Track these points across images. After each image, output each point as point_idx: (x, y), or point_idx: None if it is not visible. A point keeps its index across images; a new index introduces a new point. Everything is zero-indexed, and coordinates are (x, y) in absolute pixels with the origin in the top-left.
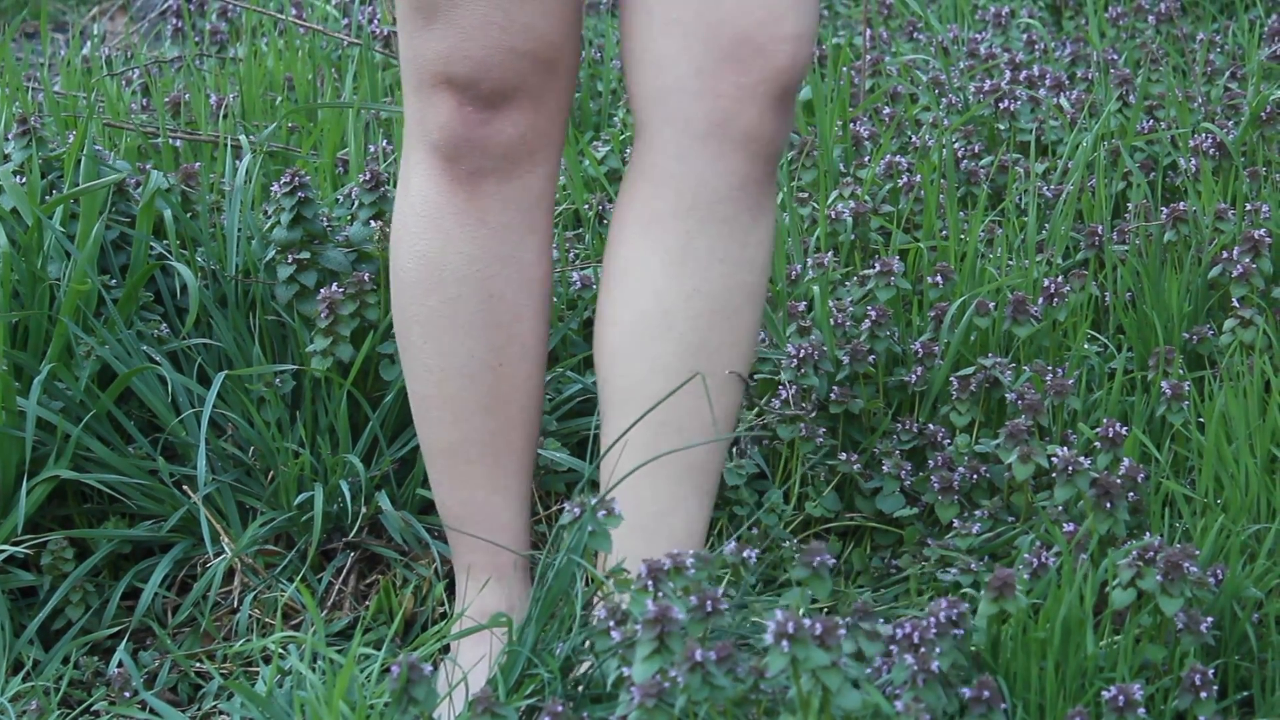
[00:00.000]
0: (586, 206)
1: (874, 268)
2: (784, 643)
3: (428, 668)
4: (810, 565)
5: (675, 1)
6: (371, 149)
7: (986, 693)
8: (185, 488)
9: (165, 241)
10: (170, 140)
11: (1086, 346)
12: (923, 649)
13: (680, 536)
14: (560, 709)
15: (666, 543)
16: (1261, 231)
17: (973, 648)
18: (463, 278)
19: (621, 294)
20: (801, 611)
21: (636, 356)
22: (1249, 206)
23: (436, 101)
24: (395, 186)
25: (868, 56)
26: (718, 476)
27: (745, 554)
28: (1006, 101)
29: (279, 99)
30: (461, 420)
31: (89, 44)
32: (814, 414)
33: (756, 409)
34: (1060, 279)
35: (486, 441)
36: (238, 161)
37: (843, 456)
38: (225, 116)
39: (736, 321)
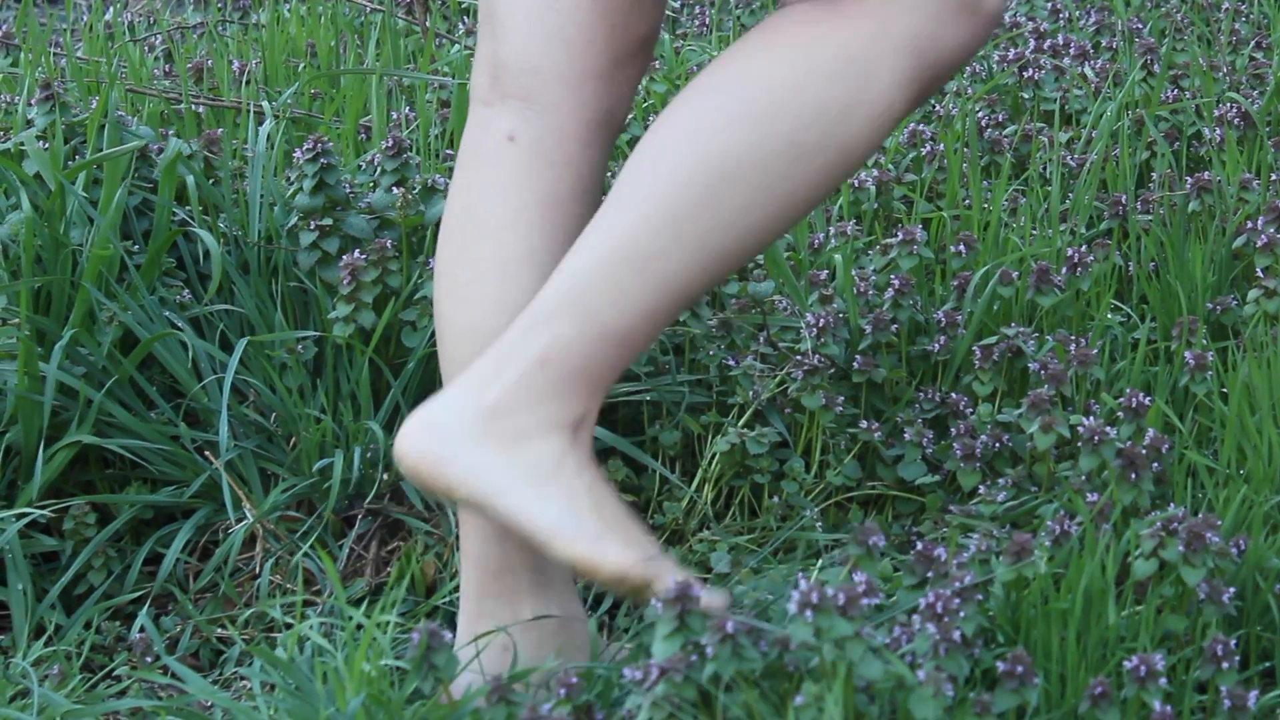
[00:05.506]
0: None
1: (897, 236)
2: (808, 612)
3: (448, 635)
4: (864, 544)
5: None
6: (394, 115)
7: (1020, 668)
8: (207, 453)
9: (188, 207)
10: (193, 106)
11: (1110, 316)
12: (945, 618)
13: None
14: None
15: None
16: None
17: (990, 614)
18: None
19: (694, 91)
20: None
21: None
22: (1274, 176)
23: None
24: (418, 153)
25: None
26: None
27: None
28: (1031, 70)
29: (301, 65)
30: None
31: (112, 9)
32: (830, 369)
33: (778, 378)
34: (1084, 248)
35: None
36: (260, 128)
37: (864, 425)
38: (248, 82)
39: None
